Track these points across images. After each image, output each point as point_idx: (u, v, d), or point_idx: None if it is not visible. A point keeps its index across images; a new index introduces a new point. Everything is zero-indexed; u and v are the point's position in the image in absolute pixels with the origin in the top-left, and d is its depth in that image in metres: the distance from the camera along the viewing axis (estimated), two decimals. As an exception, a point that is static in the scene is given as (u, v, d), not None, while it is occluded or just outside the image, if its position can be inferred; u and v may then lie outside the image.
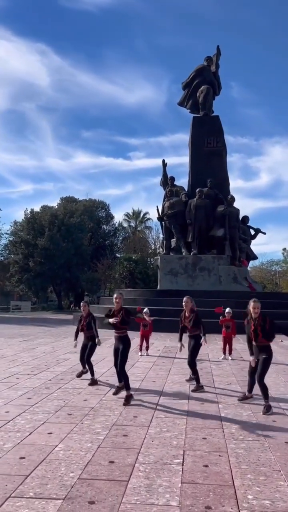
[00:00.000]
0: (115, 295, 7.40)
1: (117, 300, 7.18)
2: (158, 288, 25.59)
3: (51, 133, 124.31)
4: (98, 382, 8.15)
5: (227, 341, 11.34)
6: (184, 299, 7.93)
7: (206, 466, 4.23)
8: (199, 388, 7.57)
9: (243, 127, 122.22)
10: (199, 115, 27.61)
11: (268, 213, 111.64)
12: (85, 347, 8.36)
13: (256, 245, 68.85)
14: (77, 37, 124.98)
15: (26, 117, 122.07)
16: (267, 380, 6.66)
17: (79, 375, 8.49)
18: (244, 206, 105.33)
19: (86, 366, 8.29)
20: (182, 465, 4.25)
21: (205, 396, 7.19)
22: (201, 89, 27.62)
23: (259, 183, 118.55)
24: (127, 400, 6.67)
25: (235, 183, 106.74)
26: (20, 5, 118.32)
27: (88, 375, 8.29)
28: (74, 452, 4.61)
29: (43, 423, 5.62)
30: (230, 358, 11.31)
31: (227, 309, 11.56)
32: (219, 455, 4.52)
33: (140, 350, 11.92)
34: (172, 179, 27.05)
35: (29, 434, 5.18)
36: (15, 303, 48.76)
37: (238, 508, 3.37)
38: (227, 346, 11.37)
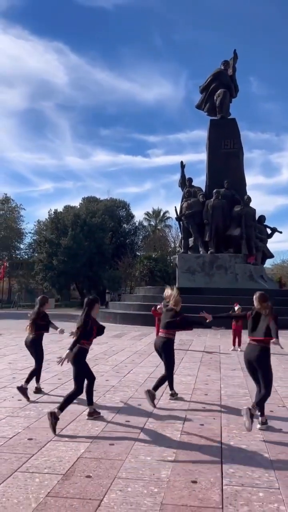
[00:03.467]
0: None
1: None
2: (176, 286, 26.60)
3: (69, 132, 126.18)
4: None
5: (237, 334, 12.37)
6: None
7: (202, 425, 5.37)
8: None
9: (263, 123, 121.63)
10: (216, 118, 28.52)
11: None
12: None
13: (278, 243, 68.93)
14: (93, 35, 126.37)
15: (45, 115, 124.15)
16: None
17: None
18: (265, 202, 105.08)
19: None
20: (183, 424, 5.39)
21: (210, 378, 8.28)
22: (218, 93, 28.52)
23: (281, 179, 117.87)
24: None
25: (256, 180, 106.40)
26: (36, 4, 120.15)
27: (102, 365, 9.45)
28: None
29: (72, 396, 6.82)
30: (239, 349, 12.34)
31: (237, 306, 12.58)
32: (214, 418, 5.64)
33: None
34: (190, 180, 28.13)
35: (62, 403, 6.38)
36: (40, 300, 50.36)
37: (221, 449, 4.49)
38: (237, 339, 12.39)
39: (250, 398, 6.77)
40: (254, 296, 6.02)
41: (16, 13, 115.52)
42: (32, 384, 7.16)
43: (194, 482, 3.74)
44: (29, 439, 4.84)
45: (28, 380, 6.93)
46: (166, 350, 6.62)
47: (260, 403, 5.27)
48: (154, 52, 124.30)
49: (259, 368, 5.36)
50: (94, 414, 5.70)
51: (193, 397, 6.86)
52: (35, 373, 7.21)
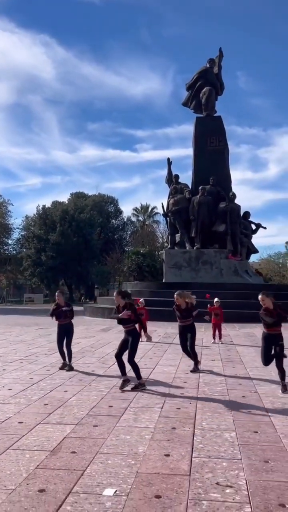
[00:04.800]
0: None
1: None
2: (163, 281, 27.16)
3: (57, 126, 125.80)
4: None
5: (217, 327, 12.90)
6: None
7: (179, 408, 5.86)
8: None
9: (250, 118, 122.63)
10: (202, 116, 29.01)
11: (277, 205, 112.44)
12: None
13: (265, 237, 69.83)
14: (81, 28, 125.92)
15: (32, 110, 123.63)
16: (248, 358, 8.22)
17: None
18: (253, 197, 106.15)
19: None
20: (162, 408, 5.87)
21: (190, 368, 8.78)
22: (203, 91, 28.98)
23: (268, 174, 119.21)
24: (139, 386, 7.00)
25: (243, 175, 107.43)
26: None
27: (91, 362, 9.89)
28: (84, 401, 6.25)
29: (60, 385, 7.28)
30: (220, 342, 12.87)
31: (216, 299, 13.10)
32: (190, 402, 6.13)
33: (140, 336, 13.45)
34: (177, 177, 28.63)
35: (50, 392, 6.84)
36: (28, 295, 50.71)
37: (194, 428, 4.99)
38: (217, 332, 12.92)
39: (226, 385, 7.27)
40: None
41: (3, 5, 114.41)
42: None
43: (167, 455, 4.22)
44: (19, 422, 5.29)
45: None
46: None
47: None
48: (142, 46, 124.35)
49: None
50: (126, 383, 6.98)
51: (173, 385, 7.34)
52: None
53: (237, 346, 12.40)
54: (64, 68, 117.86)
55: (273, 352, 6.95)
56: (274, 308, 6.80)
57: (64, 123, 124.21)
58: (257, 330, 16.52)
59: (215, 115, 29.09)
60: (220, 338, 13.04)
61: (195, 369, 8.53)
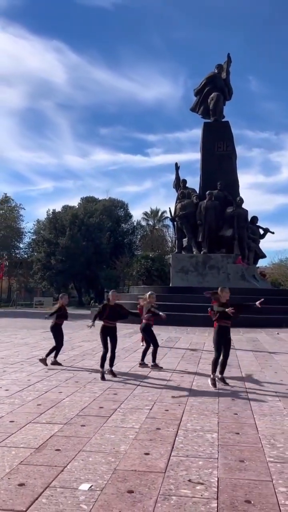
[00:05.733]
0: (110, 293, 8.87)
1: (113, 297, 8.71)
2: (170, 285, 27.27)
3: (69, 131, 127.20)
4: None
5: None
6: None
7: (167, 410, 6.01)
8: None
9: (262, 122, 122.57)
10: (210, 121, 29.17)
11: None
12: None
13: (276, 242, 69.58)
14: (93, 34, 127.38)
15: (44, 114, 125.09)
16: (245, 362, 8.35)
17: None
18: (265, 201, 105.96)
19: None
20: (150, 409, 6.03)
21: (186, 372, 8.92)
22: (211, 96, 29.16)
23: (280, 178, 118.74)
24: (113, 373, 8.41)
25: (255, 178, 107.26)
26: (35, 3, 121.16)
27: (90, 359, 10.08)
28: (76, 402, 6.43)
29: (55, 387, 7.47)
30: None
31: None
32: (179, 405, 6.28)
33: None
34: (184, 181, 28.78)
35: (45, 393, 7.03)
36: (38, 299, 51.09)
37: (178, 429, 5.13)
38: None
39: (218, 389, 7.39)
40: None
41: (16, 12, 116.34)
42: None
43: (147, 454, 4.37)
44: (10, 421, 5.48)
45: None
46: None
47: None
48: (153, 51, 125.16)
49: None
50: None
51: (166, 388, 7.49)
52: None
53: (237, 350, 12.45)
54: (76, 73, 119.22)
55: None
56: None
57: (76, 127, 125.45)
58: (261, 335, 16.59)
59: (223, 120, 29.24)
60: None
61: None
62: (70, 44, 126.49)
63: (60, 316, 10.01)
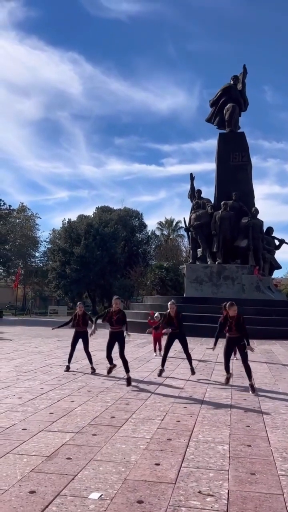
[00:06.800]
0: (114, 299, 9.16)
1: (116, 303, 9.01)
2: (184, 295, 27.21)
3: (84, 141, 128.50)
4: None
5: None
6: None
7: (179, 421, 5.99)
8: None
9: (278, 132, 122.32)
10: (225, 131, 29.26)
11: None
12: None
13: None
14: (108, 45, 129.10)
15: (60, 125, 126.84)
16: (259, 374, 8.29)
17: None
18: (281, 212, 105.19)
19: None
20: (162, 420, 6.02)
21: (199, 383, 8.88)
22: (227, 107, 29.28)
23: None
24: (128, 381, 8.46)
25: (271, 189, 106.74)
26: (51, 15, 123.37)
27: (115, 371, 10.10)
28: (88, 411, 6.46)
29: (68, 395, 7.51)
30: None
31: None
32: (191, 416, 6.26)
33: (155, 351, 13.57)
34: (199, 192, 28.87)
35: (57, 401, 7.08)
36: (53, 307, 51.44)
37: (189, 440, 5.12)
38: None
39: (230, 400, 7.35)
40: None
41: (33, 24, 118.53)
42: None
43: (157, 464, 4.37)
44: (23, 429, 5.53)
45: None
46: None
47: None
48: (168, 62, 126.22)
49: None
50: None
51: (178, 398, 7.47)
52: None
53: (251, 362, 12.31)
54: (91, 84, 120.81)
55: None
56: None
57: (91, 138, 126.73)
58: (276, 347, 16.42)
59: (238, 131, 29.30)
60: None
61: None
62: (86, 56, 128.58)
63: (77, 324, 10.34)
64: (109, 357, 9.16)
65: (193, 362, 9.79)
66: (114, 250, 47.03)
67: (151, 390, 8.15)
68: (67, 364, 10.34)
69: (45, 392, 7.79)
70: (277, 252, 29.17)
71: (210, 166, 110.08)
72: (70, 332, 9.89)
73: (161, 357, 12.59)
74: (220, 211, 26.56)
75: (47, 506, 3.43)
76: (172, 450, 4.79)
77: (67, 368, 10.17)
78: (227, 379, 8.73)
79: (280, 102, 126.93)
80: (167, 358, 9.91)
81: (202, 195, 28.82)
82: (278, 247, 29.26)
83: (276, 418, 6.28)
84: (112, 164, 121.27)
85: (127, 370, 8.62)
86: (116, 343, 8.88)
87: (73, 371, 10.10)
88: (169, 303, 9.61)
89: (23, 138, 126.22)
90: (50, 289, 51.90)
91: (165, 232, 65.29)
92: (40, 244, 63.69)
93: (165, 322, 9.63)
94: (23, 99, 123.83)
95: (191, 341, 17.75)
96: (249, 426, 5.81)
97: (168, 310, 9.46)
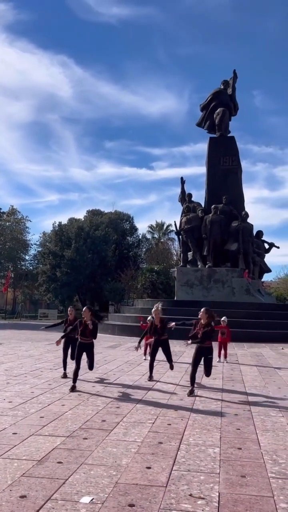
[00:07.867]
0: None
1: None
2: (175, 298, 27.25)
3: (74, 144, 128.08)
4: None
5: (223, 346, 12.95)
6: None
7: (169, 424, 6.00)
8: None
9: (267, 136, 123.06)
10: (215, 136, 29.42)
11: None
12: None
13: (281, 256, 69.38)
14: (98, 49, 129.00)
15: (50, 128, 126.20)
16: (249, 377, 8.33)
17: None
18: (270, 216, 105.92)
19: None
20: (153, 423, 6.02)
21: (185, 387, 8.89)
22: (217, 111, 29.45)
23: (285, 193, 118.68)
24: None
25: (260, 193, 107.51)
26: (42, 19, 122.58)
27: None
28: (79, 415, 6.44)
29: (58, 399, 7.48)
30: (225, 361, 12.91)
31: (223, 318, 13.14)
32: (182, 419, 6.27)
33: (145, 354, 13.54)
34: (190, 195, 29.03)
35: (48, 405, 7.05)
36: (43, 311, 51.12)
37: (180, 444, 5.13)
38: (222, 351, 12.97)
39: (221, 403, 7.38)
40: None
41: (23, 27, 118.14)
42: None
43: (149, 468, 4.38)
44: (13, 433, 5.50)
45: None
46: None
47: None
48: (158, 66, 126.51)
49: None
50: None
51: (169, 401, 7.48)
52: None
53: (241, 365, 12.42)
54: (81, 87, 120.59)
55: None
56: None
57: (82, 141, 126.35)
58: (265, 350, 16.50)
59: (228, 135, 29.47)
60: (225, 357, 13.07)
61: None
62: (76, 59, 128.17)
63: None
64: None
65: (185, 365, 9.81)
66: (105, 253, 46.95)
67: (142, 393, 8.15)
68: (63, 371, 9.99)
69: (36, 396, 7.75)
70: (267, 255, 29.40)
71: (200, 170, 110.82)
72: (59, 336, 9.81)
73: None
74: (210, 214, 26.68)
75: (38, 511, 3.42)
76: (163, 454, 4.80)
77: (64, 375, 9.77)
78: (191, 392, 8.09)
79: (270, 107, 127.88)
80: (154, 365, 9.75)
81: (192, 199, 28.97)
82: (268, 251, 29.47)
83: (266, 420, 6.31)
84: (102, 168, 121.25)
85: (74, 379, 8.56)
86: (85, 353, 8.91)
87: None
88: (153, 309, 9.52)
89: (13, 141, 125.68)
90: (40, 293, 51.57)
91: (155, 236, 65.35)
92: (30, 247, 63.26)
93: (151, 332, 9.55)
94: (13, 101, 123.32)
95: (181, 344, 17.79)
96: (239, 429, 5.84)
97: (152, 315, 9.42)
